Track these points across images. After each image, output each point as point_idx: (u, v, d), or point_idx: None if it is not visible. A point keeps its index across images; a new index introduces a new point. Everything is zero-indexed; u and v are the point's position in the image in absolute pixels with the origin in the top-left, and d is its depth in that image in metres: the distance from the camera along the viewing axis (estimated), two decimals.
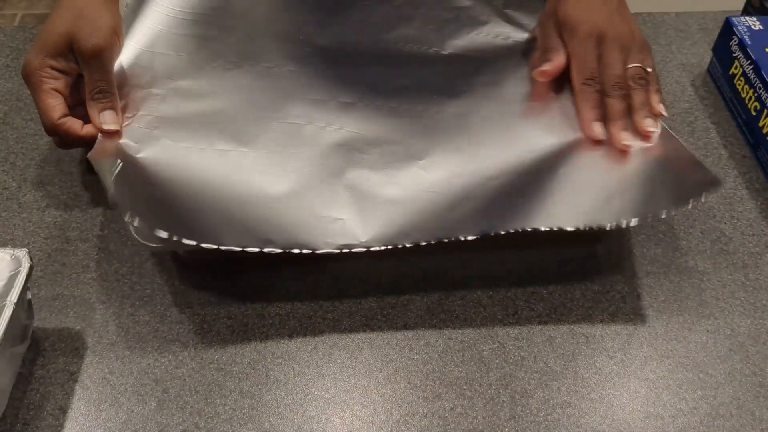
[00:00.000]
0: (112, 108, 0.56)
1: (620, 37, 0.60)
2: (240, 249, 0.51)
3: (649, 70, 0.60)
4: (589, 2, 0.62)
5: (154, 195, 0.53)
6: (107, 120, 0.55)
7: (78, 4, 0.57)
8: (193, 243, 0.50)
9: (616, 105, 0.59)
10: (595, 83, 0.59)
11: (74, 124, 0.56)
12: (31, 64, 0.56)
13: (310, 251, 0.52)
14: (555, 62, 0.60)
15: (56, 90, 0.56)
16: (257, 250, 0.51)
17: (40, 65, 0.56)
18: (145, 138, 0.56)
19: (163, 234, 0.50)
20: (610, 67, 0.59)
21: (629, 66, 0.60)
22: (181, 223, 0.52)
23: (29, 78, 0.56)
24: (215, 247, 0.51)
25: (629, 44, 0.60)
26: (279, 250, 0.52)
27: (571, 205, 0.54)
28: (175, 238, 0.50)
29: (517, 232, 0.53)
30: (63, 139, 0.56)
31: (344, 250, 0.53)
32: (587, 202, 0.55)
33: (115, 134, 0.55)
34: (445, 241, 0.53)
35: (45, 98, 0.55)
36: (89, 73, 0.56)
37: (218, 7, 0.60)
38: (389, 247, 0.53)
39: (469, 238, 0.52)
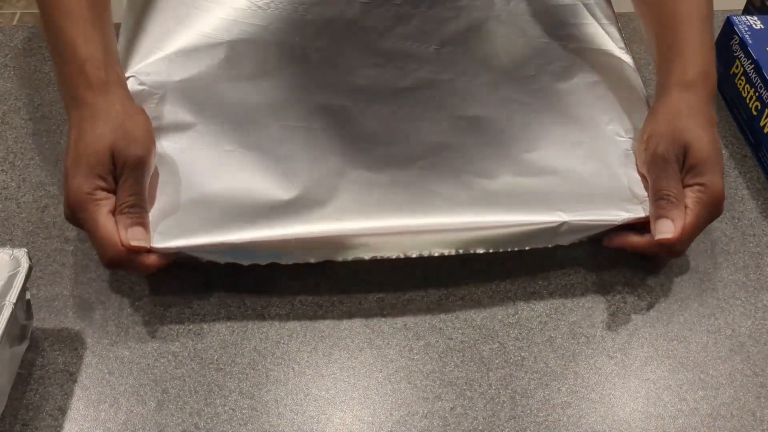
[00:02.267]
0: (142, 224, 0.51)
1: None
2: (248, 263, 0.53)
3: None
4: (717, 150, 0.55)
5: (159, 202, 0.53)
6: (137, 236, 0.50)
7: (114, 114, 0.52)
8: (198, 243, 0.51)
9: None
10: (680, 246, 0.54)
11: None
12: (81, 189, 0.49)
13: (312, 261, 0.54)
14: (678, 224, 0.52)
15: (111, 213, 0.50)
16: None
17: (90, 189, 0.50)
18: None
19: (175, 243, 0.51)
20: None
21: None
22: (186, 227, 0.52)
23: (83, 206, 0.49)
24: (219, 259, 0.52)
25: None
26: (287, 262, 0.53)
27: (569, 205, 0.55)
28: (181, 243, 0.51)
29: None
30: (129, 268, 0.51)
31: (349, 258, 0.53)
32: (585, 202, 0.55)
33: (143, 254, 0.51)
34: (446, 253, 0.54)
35: (106, 225, 0.49)
36: (125, 186, 0.51)
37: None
38: (392, 229, 0.53)
39: (479, 251, 0.54)
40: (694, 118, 0.55)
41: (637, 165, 0.58)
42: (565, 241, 0.55)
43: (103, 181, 0.50)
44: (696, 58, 0.57)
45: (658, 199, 0.54)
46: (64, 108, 0.54)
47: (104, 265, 0.51)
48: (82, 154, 0.50)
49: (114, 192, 0.51)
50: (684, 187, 0.54)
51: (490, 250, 0.54)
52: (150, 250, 0.51)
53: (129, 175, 0.51)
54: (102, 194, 0.50)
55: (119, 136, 0.51)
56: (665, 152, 0.54)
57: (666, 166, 0.54)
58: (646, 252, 0.55)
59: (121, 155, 0.51)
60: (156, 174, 0.54)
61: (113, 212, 0.50)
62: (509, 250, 0.54)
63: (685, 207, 0.53)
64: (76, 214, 0.50)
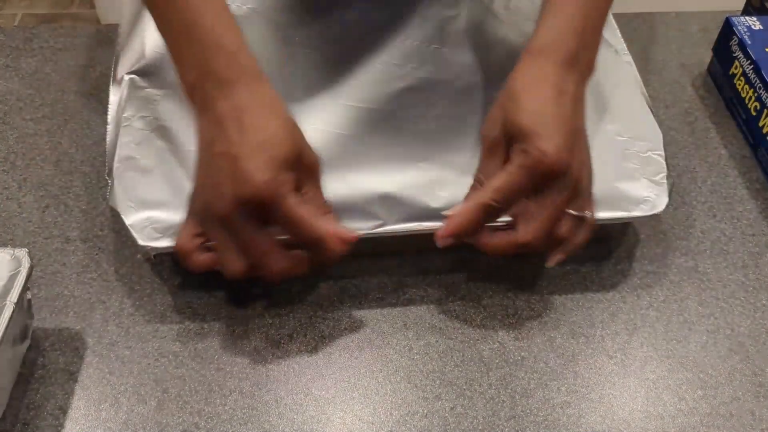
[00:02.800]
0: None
1: (576, 176, 0.49)
2: None
3: (588, 215, 0.51)
4: (554, 117, 0.48)
5: (157, 200, 0.53)
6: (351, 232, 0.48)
7: (283, 111, 0.49)
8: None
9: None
10: (499, 211, 0.49)
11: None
12: (275, 180, 0.45)
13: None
14: (466, 205, 0.49)
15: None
16: None
17: (283, 180, 0.45)
18: (145, 139, 0.56)
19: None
20: (544, 219, 0.48)
21: (567, 211, 0.50)
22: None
23: (282, 196, 0.45)
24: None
25: (579, 186, 0.49)
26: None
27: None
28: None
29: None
30: (329, 254, 0.48)
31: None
32: None
33: (354, 240, 0.49)
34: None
35: (309, 210, 0.46)
36: (318, 188, 0.49)
37: None
38: (394, 232, 0.54)
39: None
40: (524, 89, 0.50)
41: None
42: None
43: (290, 175, 0.46)
44: (549, 29, 0.52)
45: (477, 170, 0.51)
46: (199, 102, 0.48)
47: (329, 255, 0.47)
48: (269, 146, 0.46)
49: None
50: (512, 159, 0.49)
51: None
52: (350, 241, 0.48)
53: (317, 178, 0.49)
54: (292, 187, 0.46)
55: (301, 137, 0.48)
56: (483, 132, 0.51)
57: (483, 148, 0.51)
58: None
59: (308, 157, 0.48)
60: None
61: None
62: None
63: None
64: (268, 205, 0.45)
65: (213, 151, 0.46)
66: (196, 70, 0.48)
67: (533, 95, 0.49)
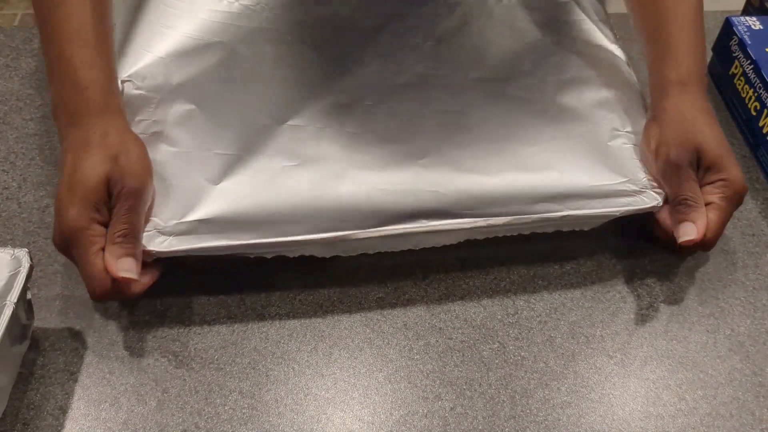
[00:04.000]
0: (133, 255, 0.50)
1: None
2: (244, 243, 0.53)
3: None
4: (725, 141, 0.57)
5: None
6: (125, 267, 0.49)
7: (109, 143, 0.51)
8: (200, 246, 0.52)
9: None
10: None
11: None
12: (77, 222, 0.48)
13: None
14: (700, 225, 0.54)
15: (101, 249, 0.49)
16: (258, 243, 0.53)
17: (86, 222, 0.48)
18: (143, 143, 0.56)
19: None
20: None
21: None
22: (188, 232, 0.53)
23: (76, 240, 0.48)
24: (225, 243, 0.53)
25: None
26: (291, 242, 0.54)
27: (568, 198, 0.56)
28: (186, 247, 0.52)
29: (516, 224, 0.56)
30: (116, 297, 0.51)
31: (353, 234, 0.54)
32: (584, 194, 0.57)
33: (131, 283, 0.50)
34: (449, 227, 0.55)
35: (96, 263, 0.48)
36: (119, 215, 0.50)
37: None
38: (396, 231, 0.55)
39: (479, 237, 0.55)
40: (699, 119, 0.56)
41: (650, 171, 0.59)
42: (564, 228, 0.57)
43: (98, 213, 0.49)
44: (689, 57, 0.59)
45: (677, 204, 0.55)
46: (59, 134, 0.53)
47: (92, 299, 0.50)
48: (78, 182, 0.49)
49: (106, 225, 0.50)
50: (706, 184, 0.55)
51: (491, 236, 0.56)
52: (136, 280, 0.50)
53: (123, 204, 0.50)
54: (97, 229, 0.49)
55: (114, 167, 0.50)
56: (678, 158, 0.55)
57: (680, 171, 0.55)
58: (678, 247, 0.56)
59: (116, 186, 0.50)
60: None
61: (104, 247, 0.49)
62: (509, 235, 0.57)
63: (710, 204, 0.55)
64: (69, 248, 0.49)
65: (59, 184, 0.51)
66: (54, 101, 0.53)
67: (708, 124, 0.56)
